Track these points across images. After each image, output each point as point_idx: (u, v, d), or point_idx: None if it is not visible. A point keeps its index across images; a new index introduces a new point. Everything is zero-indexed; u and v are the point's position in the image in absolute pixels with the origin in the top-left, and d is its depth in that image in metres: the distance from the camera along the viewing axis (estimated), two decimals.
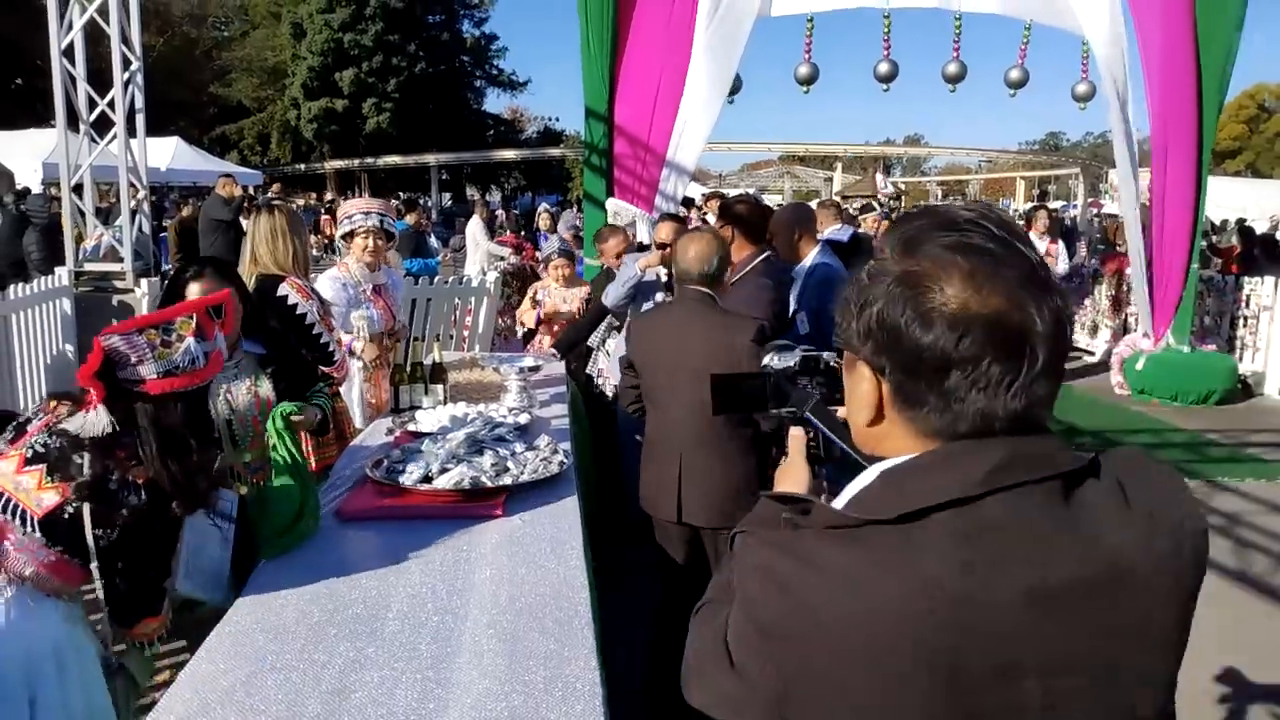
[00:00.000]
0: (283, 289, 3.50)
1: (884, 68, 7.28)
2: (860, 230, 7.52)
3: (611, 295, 4.39)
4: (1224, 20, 7.11)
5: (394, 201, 17.30)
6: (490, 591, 2.02)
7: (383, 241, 3.94)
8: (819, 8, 7.49)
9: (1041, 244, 8.53)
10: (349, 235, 3.93)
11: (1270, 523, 5.01)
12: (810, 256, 4.05)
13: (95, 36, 6.34)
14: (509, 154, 36.24)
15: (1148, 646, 0.86)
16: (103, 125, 6.46)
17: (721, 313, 2.94)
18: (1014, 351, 0.83)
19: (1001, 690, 0.80)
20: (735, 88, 7.35)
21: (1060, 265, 8.71)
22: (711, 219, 8.16)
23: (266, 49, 38.97)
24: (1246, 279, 8.84)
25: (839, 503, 0.94)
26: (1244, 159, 43.79)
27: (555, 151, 35.18)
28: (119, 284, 6.38)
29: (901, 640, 0.80)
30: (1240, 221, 15.58)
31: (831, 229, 6.66)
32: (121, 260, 6.38)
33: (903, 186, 40.81)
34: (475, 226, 10.72)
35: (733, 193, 12.45)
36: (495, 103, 45.89)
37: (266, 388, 2.75)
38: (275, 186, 17.38)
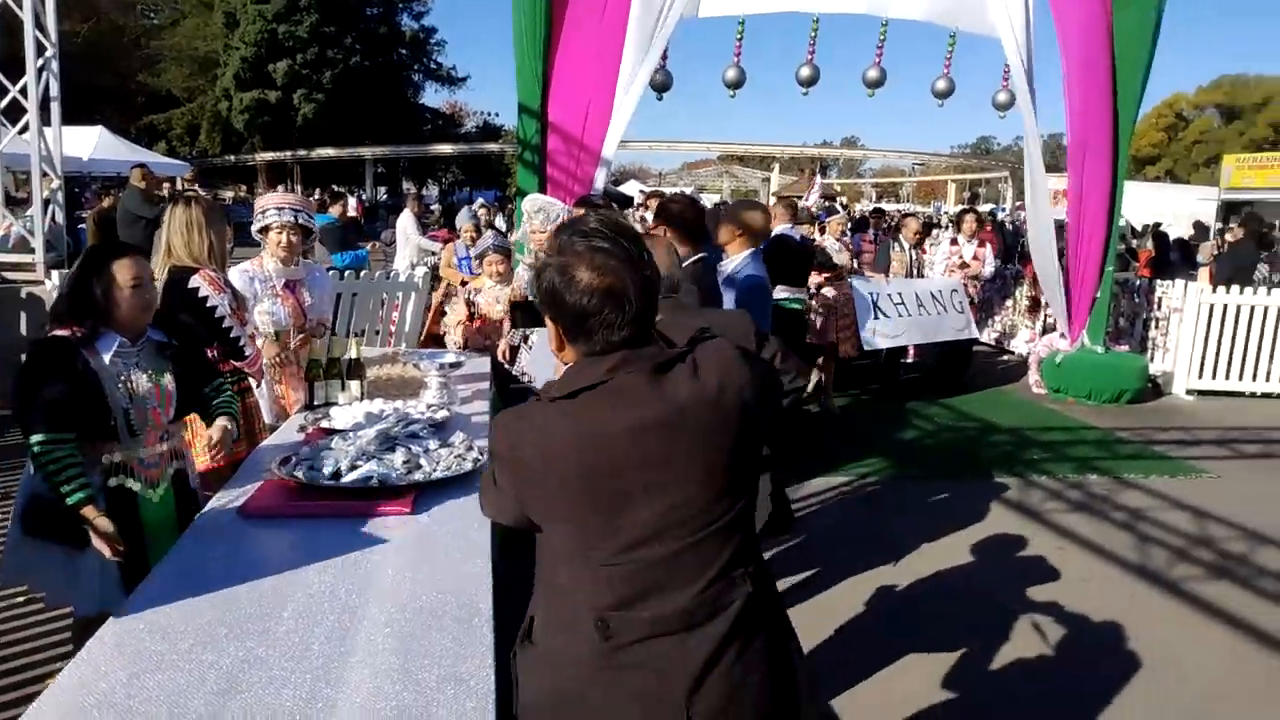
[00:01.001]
0: (194, 281, 3.43)
1: (805, 71, 7.38)
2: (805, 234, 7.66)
3: (526, 279, 4.36)
4: (1140, 30, 7.35)
5: (315, 197, 16.96)
6: (391, 590, 2.00)
7: (298, 238, 3.86)
8: (748, 10, 7.56)
9: (970, 247, 8.69)
10: (264, 230, 3.85)
11: (1171, 518, 5.21)
12: (739, 259, 4.08)
13: (13, 26, 6.12)
14: (446, 148, 35.88)
15: (703, 452, 1.45)
16: (18, 113, 6.24)
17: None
18: (618, 305, 1.43)
19: (618, 482, 1.43)
20: (666, 85, 7.38)
21: (987, 268, 8.87)
22: (650, 217, 8.14)
23: (197, 38, 37.97)
24: (1159, 281, 9.15)
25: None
26: (1163, 165, 45.40)
27: (494, 146, 34.95)
28: (29, 275, 6.16)
29: (565, 458, 1.43)
30: (1156, 226, 16.16)
31: (783, 226, 6.73)
32: (33, 251, 6.16)
33: (838, 188, 41.41)
34: (406, 220, 10.56)
35: (671, 191, 12.47)
36: (434, 97, 45.46)
37: (168, 380, 2.68)
38: (188, 177, 16.93)
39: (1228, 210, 19.77)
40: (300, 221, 3.84)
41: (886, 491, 5.66)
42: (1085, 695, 3.35)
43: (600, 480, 1.42)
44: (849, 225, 10.47)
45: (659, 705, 1.45)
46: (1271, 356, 8.43)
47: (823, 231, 8.66)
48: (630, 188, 29.80)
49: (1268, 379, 8.47)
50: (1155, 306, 8.88)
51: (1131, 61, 7.40)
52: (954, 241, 8.84)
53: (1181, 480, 5.96)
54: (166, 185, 10.59)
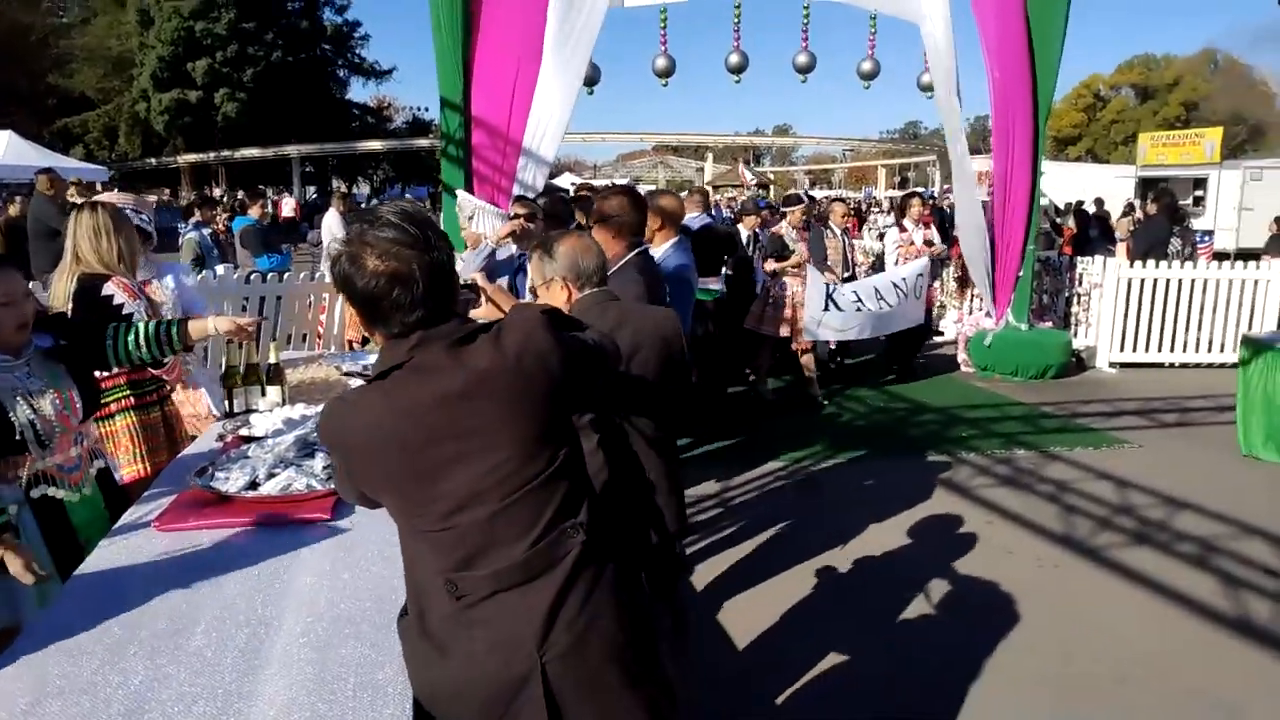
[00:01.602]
0: (108, 288, 3.33)
1: (734, 59, 7.42)
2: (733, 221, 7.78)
3: (462, 269, 4.32)
4: (1053, 8, 7.53)
5: (152, 197, 16.50)
6: (309, 599, 1.96)
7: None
8: None
9: (919, 231, 8.40)
10: None
11: (1096, 488, 5.37)
12: (664, 249, 4.09)
13: None
14: (375, 145, 35.30)
15: (510, 415, 1.54)
16: None
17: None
18: (407, 287, 1.50)
19: (432, 451, 1.52)
20: (594, 79, 7.36)
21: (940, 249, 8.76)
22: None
23: (110, 37, 36.69)
24: (1080, 258, 9.41)
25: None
26: (1084, 145, 46.68)
27: (424, 142, 34.42)
28: None
29: (384, 435, 1.52)
30: (1079, 204, 16.61)
31: (692, 215, 6.78)
32: None
33: (771, 176, 41.77)
34: (332, 220, 10.35)
35: (603, 183, 12.39)
36: (361, 92, 44.66)
37: (67, 383, 2.57)
38: (99, 187, 16.37)
39: (1145, 187, 20.43)
40: (137, 224, 3.71)
41: (821, 474, 5.74)
42: (1009, 660, 3.43)
43: (416, 452, 1.51)
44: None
45: (515, 653, 1.55)
46: (1187, 328, 8.74)
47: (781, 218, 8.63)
48: (564, 180, 29.67)
49: (1184, 349, 8.77)
50: (1077, 283, 9.13)
51: (1046, 40, 7.58)
52: (902, 228, 8.48)
53: (1105, 451, 6.14)
54: (73, 188, 10.15)
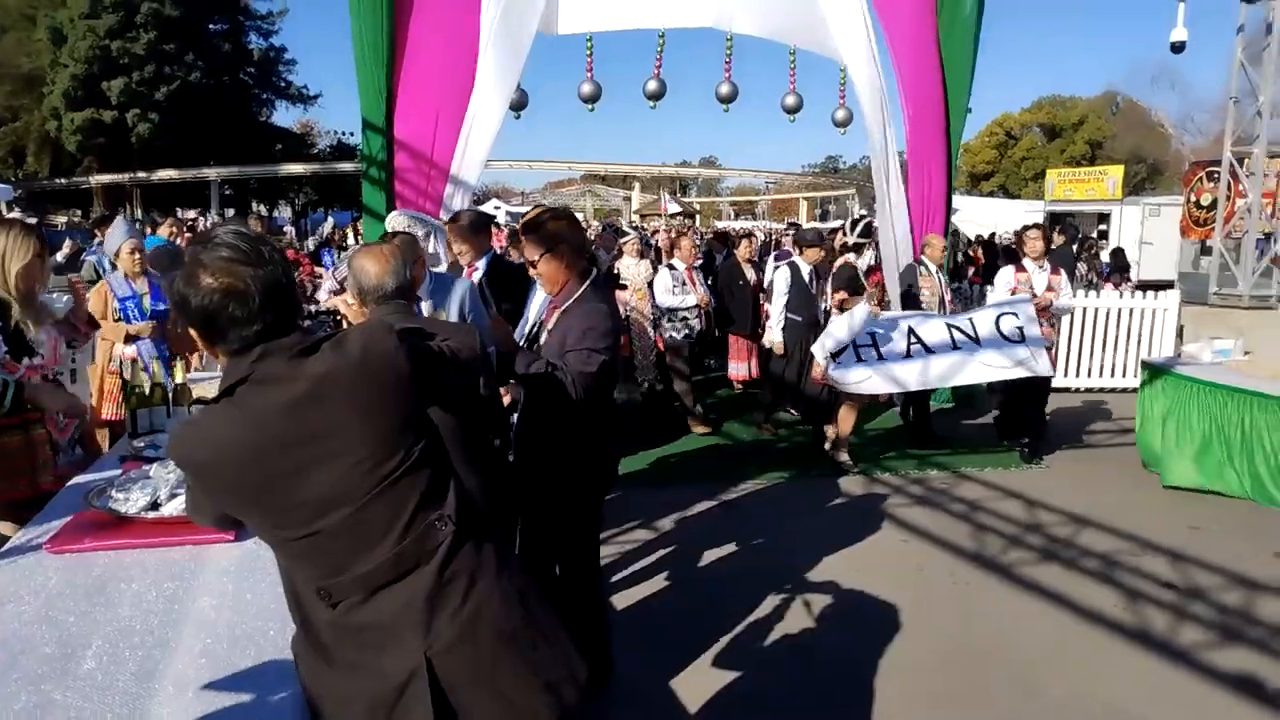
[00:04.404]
0: None
1: (652, 85, 7.52)
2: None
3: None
4: (963, 50, 7.84)
5: (61, 218, 15.92)
6: (209, 620, 1.91)
7: None
8: (601, 27, 7.65)
9: (1041, 274, 6.63)
10: None
11: (1005, 507, 5.53)
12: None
13: None
14: (297, 168, 34.67)
15: (359, 415, 1.54)
16: None
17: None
18: (242, 302, 1.50)
19: (285, 459, 1.49)
20: (521, 103, 7.38)
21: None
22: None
23: (20, 54, 35.34)
24: (988, 287, 9.73)
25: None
26: (996, 180, 48.43)
27: (348, 166, 33.86)
28: None
29: (234, 451, 1.49)
30: (991, 236, 17.23)
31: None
32: None
33: (697, 206, 42.31)
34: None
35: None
36: (285, 116, 43.88)
37: None
38: (2, 206, 15.66)
39: (1053, 221, 21.28)
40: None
41: (738, 494, 5.79)
42: (923, 675, 3.50)
43: (269, 463, 1.50)
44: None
45: (397, 653, 1.55)
46: (1091, 353, 9.11)
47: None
48: (490, 206, 29.58)
49: (1089, 374, 9.15)
50: None
51: (957, 78, 7.87)
52: (1021, 269, 6.73)
53: (1014, 471, 6.35)
54: None
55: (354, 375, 1.55)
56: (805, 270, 6.83)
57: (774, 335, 6.84)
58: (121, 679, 1.66)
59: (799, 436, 7.26)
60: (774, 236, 13.73)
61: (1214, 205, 12.97)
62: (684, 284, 7.48)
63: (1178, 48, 10.00)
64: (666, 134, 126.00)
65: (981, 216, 23.22)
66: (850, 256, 6.76)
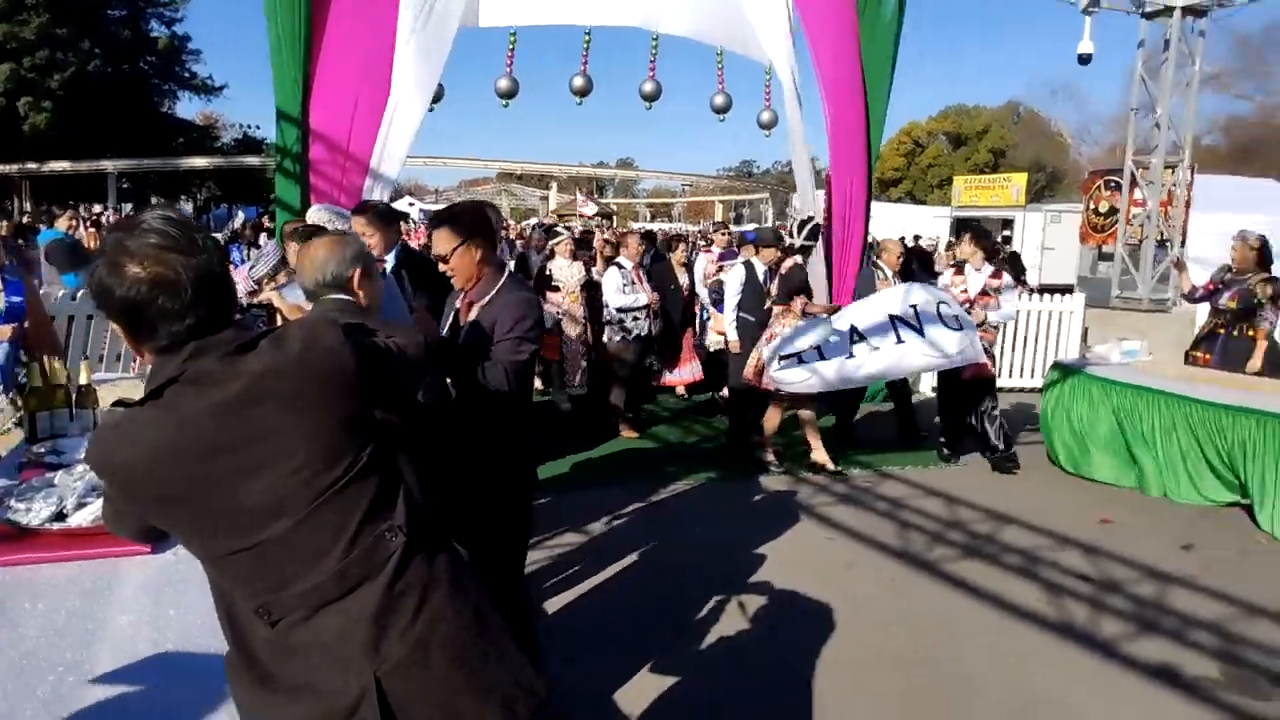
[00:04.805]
0: None
1: (579, 81, 7.48)
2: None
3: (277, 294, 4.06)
4: (882, 55, 7.98)
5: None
6: (128, 640, 1.76)
7: None
8: (525, 21, 7.56)
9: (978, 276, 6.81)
10: None
11: (928, 505, 5.64)
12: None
13: None
14: (200, 161, 33.34)
15: (299, 417, 1.42)
16: None
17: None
18: (172, 294, 1.37)
19: (219, 465, 1.37)
20: (438, 96, 7.22)
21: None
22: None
23: None
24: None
25: None
26: (904, 187, 49.77)
27: (254, 160, 32.79)
28: None
29: (161, 457, 1.37)
30: (901, 239, 17.66)
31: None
32: None
33: (614, 207, 42.35)
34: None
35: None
36: (189, 108, 42.22)
37: None
38: None
39: (959, 226, 21.97)
40: None
41: (662, 494, 5.77)
42: (854, 672, 3.52)
43: (201, 471, 1.37)
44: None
45: (343, 675, 1.44)
46: (1001, 354, 9.39)
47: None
48: (403, 204, 28.99)
49: (1000, 375, 9.42)
50: None
51: (877, 82, 8.01)
52: (959, 271, 6.91)
53: (933, 470, 6.49)
54: None
55: (295, 373, 1.42)
56: (760, 270, 6.71)
57: (730, 334, 6.74)
58: (28, 709, 1.51)
59: (722, 436, 7.28)
60: (692, 239, 13.76)
61: (1112, 213, 13.60)
62: (633, 283, 7.36)
63: (1084, 59, 10.39)
64: (583, 135, 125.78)
65: (891, 221, 23.82)
66: (798, 259, 6.72)
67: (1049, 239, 20.20)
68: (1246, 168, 27.37)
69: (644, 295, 7.34)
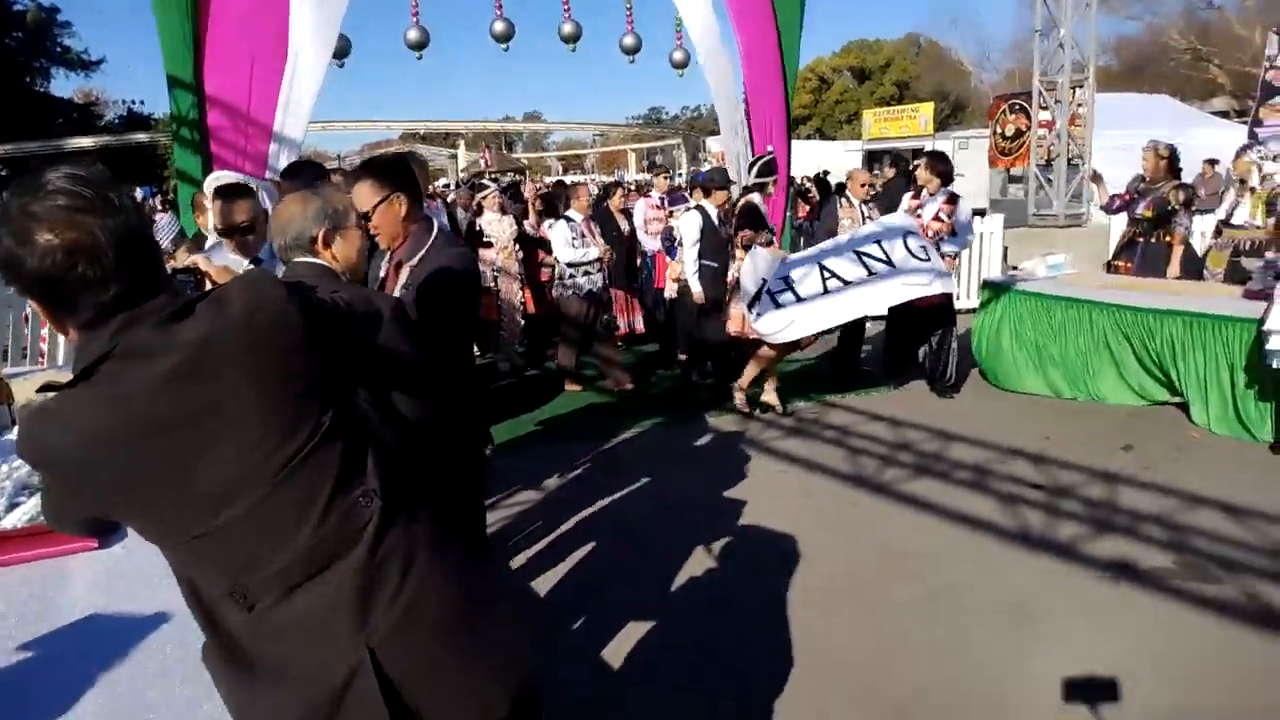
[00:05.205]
0: None
1: (499, 26, 7.22)
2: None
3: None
4: None
5: None
6: (87, 637, 1.63)
7: None
8: None
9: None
10: None
11: (874, 430, 5.71)
12: None
13: None
14: (86, 141, 31.58)
15: (251, 382, 1.29)
16: None
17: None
18: (92, 260, 1.21)
19: (165, 444, 1.25)
20: (344, 50, 6.90)
21: None
22: None
23: None
24: (817, 223, 10.00)
25: None
26: (813, 124, 50.05)
27: (143, 136, 31.25)
28: None
29: (100, 440, 1.24)
30: (825, 174, 17.79)
31: None
32: None
33: (525, 162, 41.67)
34: None
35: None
36: (65, 85, 39.86)
37: None
38: None
39: (870, 158, 22.23)
40: None
41: (620, 445, 5.72)
42: (833, 593, 3.55)
43: (146, 454, 1.25)
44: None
45: (330, 652, 1.35)
46: None
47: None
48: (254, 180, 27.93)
49: None
50: None
51: (789, 16, 7.93)
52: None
53: (872, 395, 6.56)
54: None
55: (240, 336, 1.29)
56: (714, 213, 6.46)
57: (693, 285, 6.43)
58: None
59: (665, 381, 7.24)
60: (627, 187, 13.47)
61: (1018, 135, 13.90)
62: (583, 236, 6.99)
63: None
64: (488, 88, 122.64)
65: (805, 158, 23.95)
66: (754, 197, 6.57)
67: (959, 165, 20.38)
68: (1139, 85, 28.27)
69: (595, 249, 7.00)
